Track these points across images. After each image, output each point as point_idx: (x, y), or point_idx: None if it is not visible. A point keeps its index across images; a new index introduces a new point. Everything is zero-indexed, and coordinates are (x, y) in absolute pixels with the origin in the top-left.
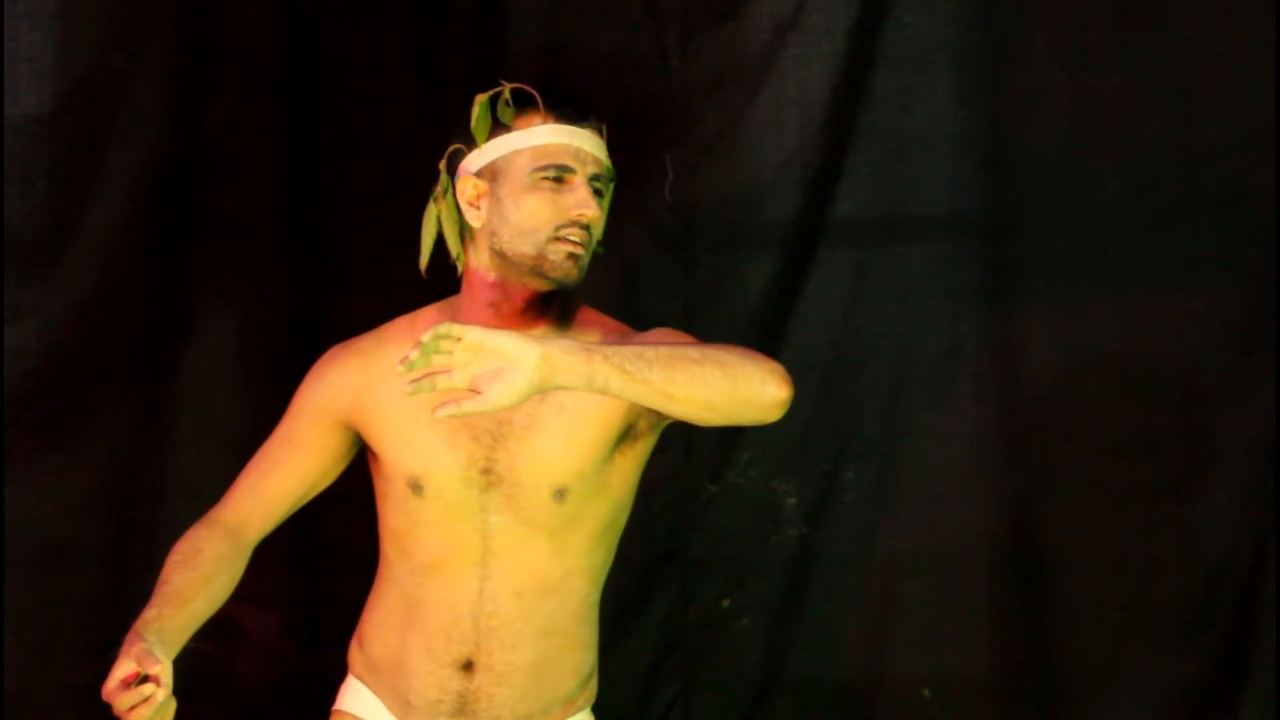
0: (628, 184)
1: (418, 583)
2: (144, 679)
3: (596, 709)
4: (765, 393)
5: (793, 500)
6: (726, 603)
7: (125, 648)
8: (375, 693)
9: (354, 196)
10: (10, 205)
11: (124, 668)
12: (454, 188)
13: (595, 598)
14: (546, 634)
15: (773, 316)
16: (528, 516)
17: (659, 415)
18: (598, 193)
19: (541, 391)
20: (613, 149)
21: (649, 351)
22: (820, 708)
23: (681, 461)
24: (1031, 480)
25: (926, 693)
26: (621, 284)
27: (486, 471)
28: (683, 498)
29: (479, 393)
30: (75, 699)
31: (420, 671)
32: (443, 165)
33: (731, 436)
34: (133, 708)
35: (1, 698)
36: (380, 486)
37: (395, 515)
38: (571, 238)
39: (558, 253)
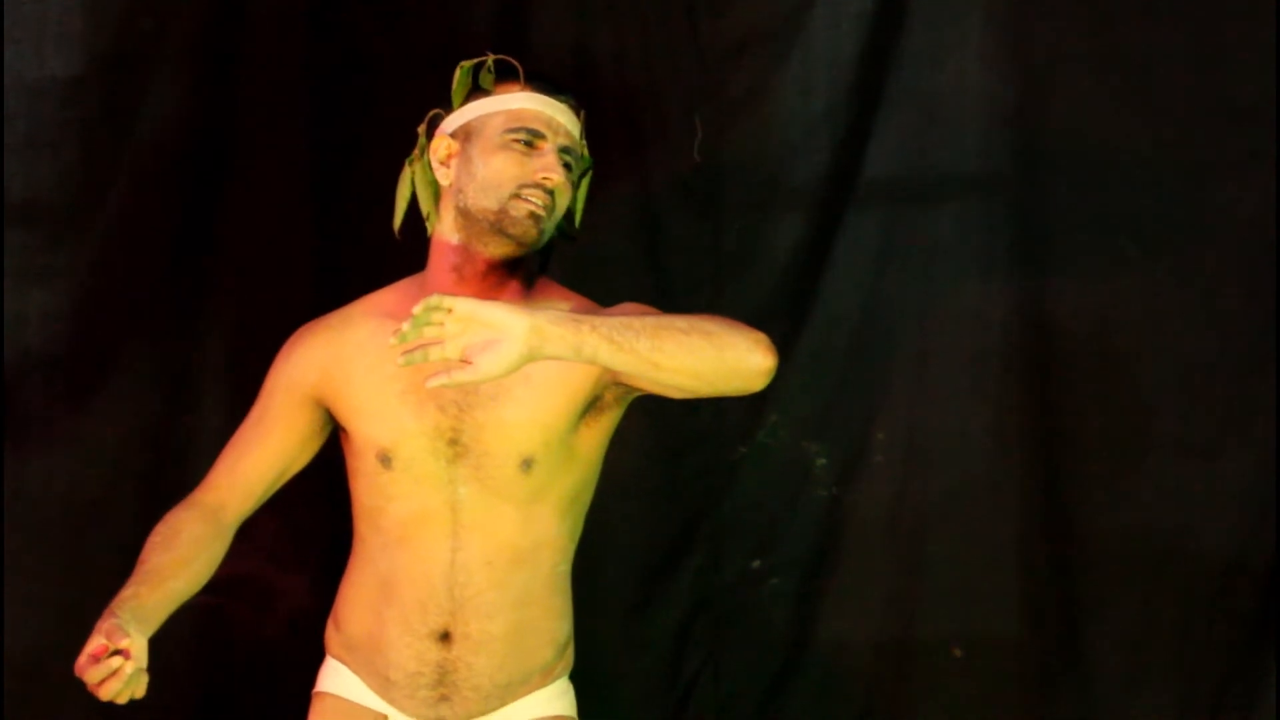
0: (657, 144)
1: (390, 557)
2: (115, 653)
3: (626, 669)
4: (751, 361)
5: (822, 461)
6: (756, 563)
7: (98, 625)
8: (355, 672)
9: (376, 175)
10: (42, 167)
11: (94, 643)
12: (429, 149)
13: (565, 568)
14: (520, 603)
15: (802, 277)
16: (495, 487)
17: (627, 388)
18: (567, 166)
19: (531, 361)
20: (642, 109)
21: (635, 321)
22: (851, 668)
23: (711, 423)
24: (1061, 441)
25: (957, 652)
26: (651, 244)
27: (454, 442)
28: (713, 459)
29: (470, 363)
30: None
31: (398, 645)
32: (421, 129)
33: (760, 398)
34: (102, 681)
35: (34, 663)
36: (351, 464)
37: (366, 492)
38: (533, 198)
39: (519, 209)
